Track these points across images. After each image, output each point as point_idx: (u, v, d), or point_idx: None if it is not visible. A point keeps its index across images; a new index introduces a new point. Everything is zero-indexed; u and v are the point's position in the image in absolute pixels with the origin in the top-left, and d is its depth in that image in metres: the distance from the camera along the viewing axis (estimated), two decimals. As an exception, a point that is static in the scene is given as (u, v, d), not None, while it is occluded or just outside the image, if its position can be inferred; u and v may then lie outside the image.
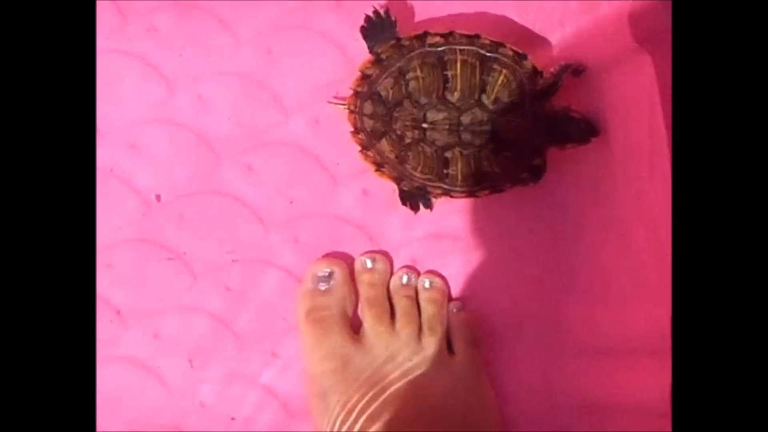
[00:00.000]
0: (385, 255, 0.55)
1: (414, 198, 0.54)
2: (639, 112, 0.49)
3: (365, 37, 0.52)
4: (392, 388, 0.52)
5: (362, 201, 0.55)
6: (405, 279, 0.55)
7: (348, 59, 0.54)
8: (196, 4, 0.54)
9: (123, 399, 0.53)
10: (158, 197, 0.53)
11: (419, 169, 0.52)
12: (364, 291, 0.54)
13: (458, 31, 0.51)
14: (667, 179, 0.45)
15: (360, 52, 0.52)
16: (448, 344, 0.54)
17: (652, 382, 0.46)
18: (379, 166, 0.52)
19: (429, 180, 0.53)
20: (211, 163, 0.54)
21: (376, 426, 0.51)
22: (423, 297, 0.55)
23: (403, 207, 0.54)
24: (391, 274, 0.55)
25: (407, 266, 0.56)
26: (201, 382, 0.54)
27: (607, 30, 0.51)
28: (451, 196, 0.54)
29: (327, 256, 0.55)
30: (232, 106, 0.54)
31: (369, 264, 0.55)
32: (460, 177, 0.52)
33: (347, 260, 0.55)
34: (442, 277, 0.56)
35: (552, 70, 0.52)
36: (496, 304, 0.56)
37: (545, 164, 0.54)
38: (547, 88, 0.52)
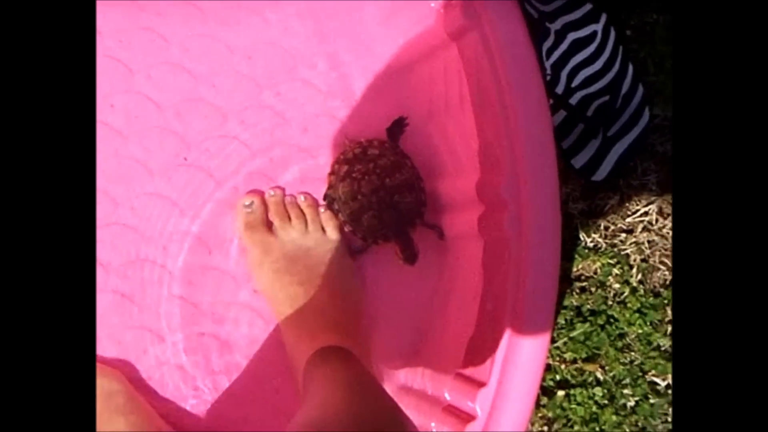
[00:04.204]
0: (281, 188, 0.83)
1: (327, 200, 0.82)
2: (451, 81, 0.81)
3: (389, 131, 0.83)
4: (293, 256, 0.79)
5: (274, 171, 0.85)
6: (289, 199, 0.82)
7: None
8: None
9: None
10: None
11: (342, 189, 0.81)
12: (272, 207, 0.81)
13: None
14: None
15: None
16: (323, 230, 0.81)
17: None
18: (332, 173, 0.82)
19: (341, 199, 0.81)
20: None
21: (288, 277, 0.78)
22: (303, 206, 0.82)
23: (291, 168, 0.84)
24: (284, 196, 0.82)
25: (291, 194, 0.84)
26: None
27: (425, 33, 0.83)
28: (340, 219, 0.81)
29: (249, 192, 0.83)
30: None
31: (272, 193, 0.82)
32: (357, 215, 0.80)
33: (260, 194, 0.82)
34: (312, 196, 0.83)
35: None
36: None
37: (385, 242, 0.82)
38: (412, 248, 0.81)
